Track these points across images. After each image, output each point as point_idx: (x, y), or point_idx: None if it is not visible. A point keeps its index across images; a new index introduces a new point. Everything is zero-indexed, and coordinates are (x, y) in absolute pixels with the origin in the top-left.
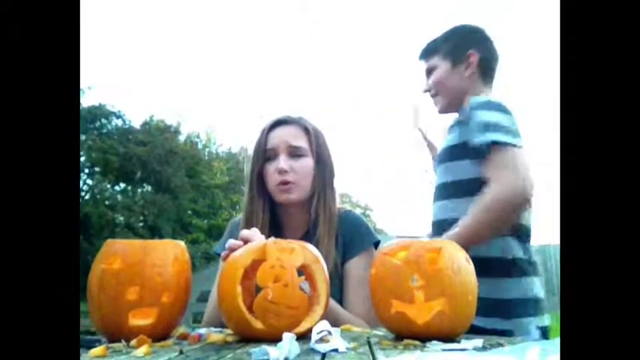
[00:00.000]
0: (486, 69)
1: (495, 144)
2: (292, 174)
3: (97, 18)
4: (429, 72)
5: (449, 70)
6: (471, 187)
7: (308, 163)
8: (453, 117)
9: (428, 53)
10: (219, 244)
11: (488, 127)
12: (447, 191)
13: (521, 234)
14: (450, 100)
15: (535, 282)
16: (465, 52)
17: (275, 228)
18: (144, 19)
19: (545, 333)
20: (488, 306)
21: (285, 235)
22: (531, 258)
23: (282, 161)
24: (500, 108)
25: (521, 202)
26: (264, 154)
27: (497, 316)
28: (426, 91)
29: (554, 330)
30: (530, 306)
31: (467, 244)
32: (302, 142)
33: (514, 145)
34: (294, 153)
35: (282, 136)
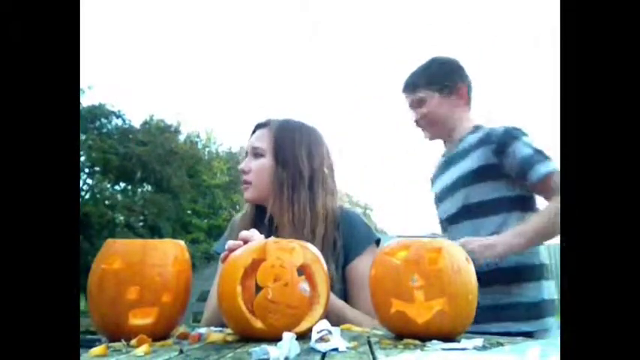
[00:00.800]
0: (469, 97)
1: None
2: (251, 174)
3: (96, 18)
4: (418, 104)
5: (439, 101)
6: (510, 205)
7: (263, 162)
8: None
9: (413, 86)
10: (219, 244)
11: (541, 156)
12: (483, 209)
13: None
14: (442, 128)
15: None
16: (453, 83)
17: (274, 230)
18: (144, 19)
19: None
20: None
21: (283, 236)
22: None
23: (245, 162)
24: (527, 133)
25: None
26: (245, 155)
27: (527, 319)
28: (416, 122)
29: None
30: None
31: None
32: (261, 143)
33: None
34: (254, 153)
35: (252, 138)
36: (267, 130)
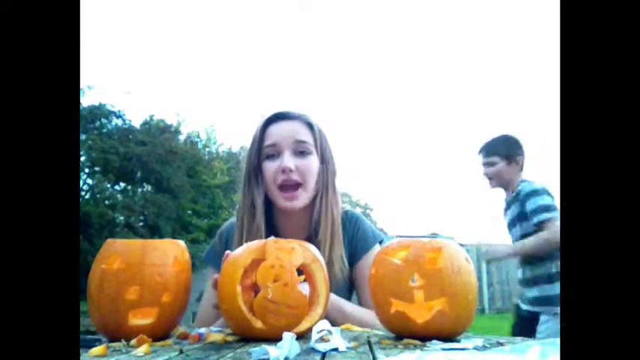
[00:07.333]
0: (523, 165)
1: (547, 220)
2: (297, 173)
3: (97, 18)
4: (489, 165)
5: (505, 167)
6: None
7: (314, 161)
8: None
9: (488, 152)
10: (208, 252)
11: (543, 209)
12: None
13: None
14: (501, 184)
15: None
16: (516, 157)
17: (273, 232)
18: (144, 18)
19: None
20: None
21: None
22: None
23: (287, 159)
24: (546, 192)
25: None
26: (262, 150)
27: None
28: (486, 175)
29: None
30: None
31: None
32: (307, 138)
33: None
34: (299, 149)
35: (285, 130)
36: (301, 124)
